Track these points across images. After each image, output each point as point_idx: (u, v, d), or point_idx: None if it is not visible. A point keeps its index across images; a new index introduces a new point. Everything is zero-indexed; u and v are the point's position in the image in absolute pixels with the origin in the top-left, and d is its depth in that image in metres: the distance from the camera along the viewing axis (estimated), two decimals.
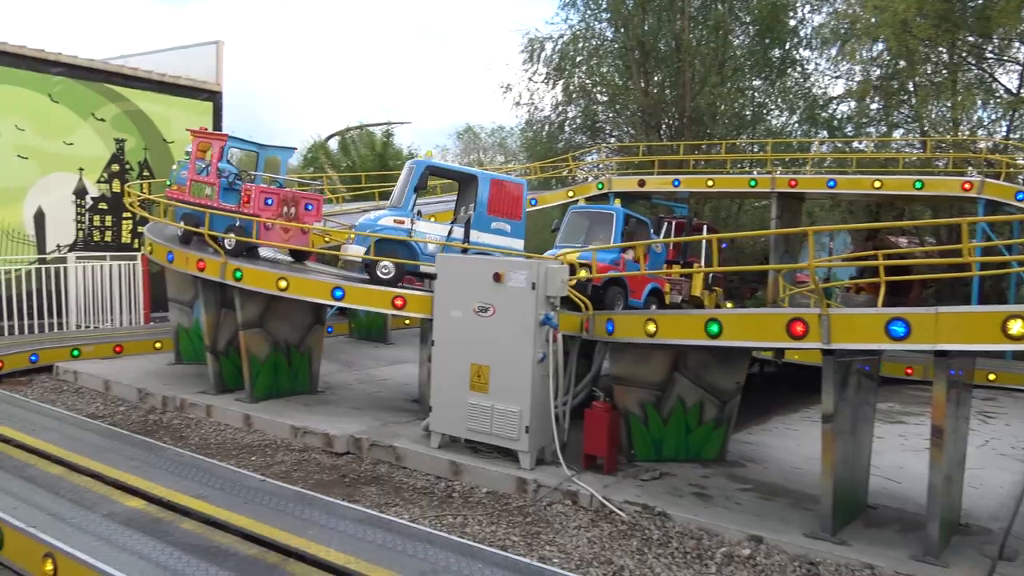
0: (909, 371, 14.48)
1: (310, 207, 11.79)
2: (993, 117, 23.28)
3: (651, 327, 7.86)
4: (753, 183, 19.27)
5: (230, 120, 21.37)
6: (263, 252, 12.15)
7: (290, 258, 12.42)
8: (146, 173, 19.25)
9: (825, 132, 26.39)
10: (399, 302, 9.71)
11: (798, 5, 26.87)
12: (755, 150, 26.62)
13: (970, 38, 21.86)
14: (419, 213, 10.89)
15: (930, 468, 6.18)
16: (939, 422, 6.12)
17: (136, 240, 18.81)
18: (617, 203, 13.84)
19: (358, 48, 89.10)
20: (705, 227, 16.02)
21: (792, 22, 26.94)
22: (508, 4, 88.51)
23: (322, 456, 8.92)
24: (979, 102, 22.36)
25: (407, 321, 17.59)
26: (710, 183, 19.66)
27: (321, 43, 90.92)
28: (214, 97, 21.05)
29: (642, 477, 8.05)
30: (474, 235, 10.61)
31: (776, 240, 19.10)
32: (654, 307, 11.58)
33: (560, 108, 29.27)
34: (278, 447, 9.21)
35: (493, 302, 8.16)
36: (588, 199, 19.04)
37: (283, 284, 10.03)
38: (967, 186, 16.77)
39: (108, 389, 11.87)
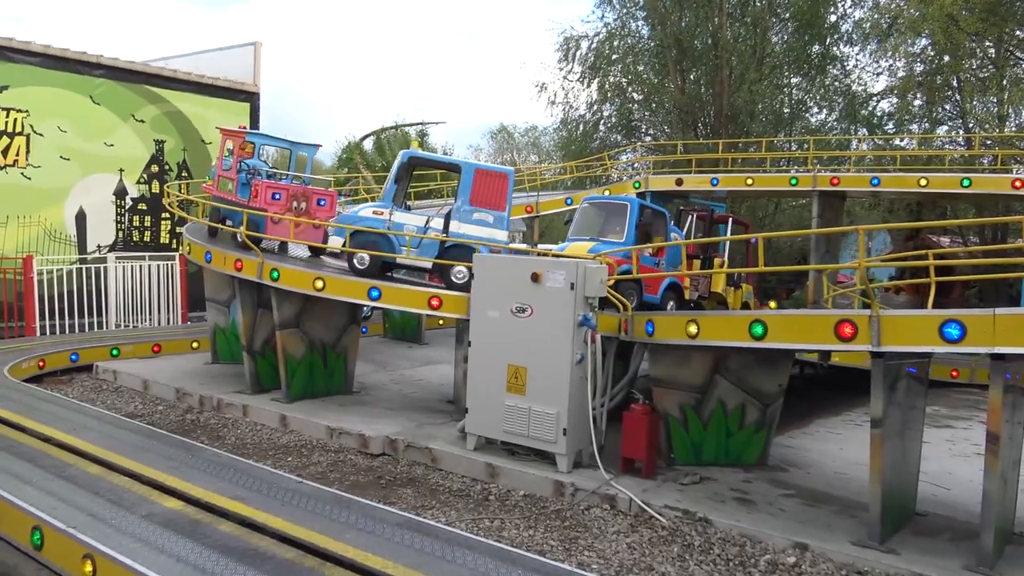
0: (955, 374, 14.10)
1: (323, 202, 11.81)
2: None
3: (692, 328, 7.69)
4: (794, 181, 18.87)
5: (267, 121, 21.59)
6: (291, 249, 12.28)
7: (309, 253, 12.46)
8: (184, 174, 19.47)
9: (865, 130, 25.91)
10: (435, 302, 9.62)
11: (839, 0, 26.43)
12: (793, 148, 26.23)
13: (1018, 32, 21.32)
14: (407, 206, 10.79)
15: (985, 475, 5.97)
16: (995, 428, 5.91)
17: (174, 240, 19.04)
18: (632, 193, 13.46)
19: (390, 49, 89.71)
20: (730, 220, 15.66)
21: (832, 17, 26.54)
22: (537, 4, 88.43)
23: (358, 457, 8.89)
24: None
25: (441, 321, 17.56)
26: (749, 182, 19.29)
27: (354, 44, 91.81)
28: (251, 98, 21.24)
29: (682, 481, 7.89)
30: (455, 226, 10.31)
31: (817, 240, 18.72)
32: (672, 304, 11.27)
33: (595, 107, 29.15)
34: (314, 448, 9.20)
35: (531, 302, 8.05)
36: None
37: (320, 284, 10.01)
38: (1018, 184, 16.27)
39: (146, 388, 11.98)
